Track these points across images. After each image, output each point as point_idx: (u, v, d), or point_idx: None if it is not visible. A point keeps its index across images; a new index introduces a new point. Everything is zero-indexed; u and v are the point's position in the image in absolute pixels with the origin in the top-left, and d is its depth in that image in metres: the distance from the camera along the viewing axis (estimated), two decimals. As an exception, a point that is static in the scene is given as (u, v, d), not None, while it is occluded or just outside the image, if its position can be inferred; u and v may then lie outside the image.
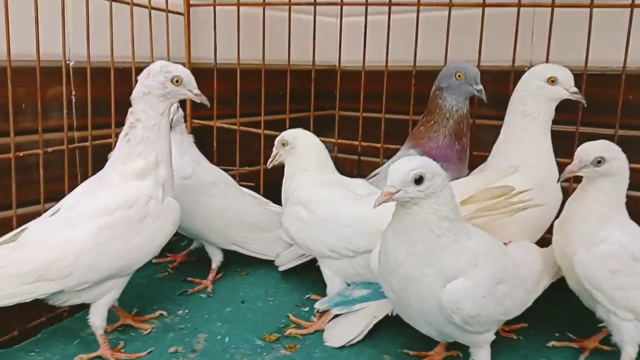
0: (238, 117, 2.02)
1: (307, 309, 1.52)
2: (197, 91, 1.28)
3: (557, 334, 1.40)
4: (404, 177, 1.02)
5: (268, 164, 1.56)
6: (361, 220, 1.37)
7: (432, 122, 1.57)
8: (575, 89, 1.38)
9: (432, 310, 1.10)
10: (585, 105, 1.44)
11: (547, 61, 1.64)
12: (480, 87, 1.52)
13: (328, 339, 1.36)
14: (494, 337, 1.19)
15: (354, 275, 1.44)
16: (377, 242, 1.20)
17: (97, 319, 1.25)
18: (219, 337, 1.37)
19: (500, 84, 1.94)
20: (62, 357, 1.28)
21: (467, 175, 1.56)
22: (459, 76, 1.53)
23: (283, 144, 1.52)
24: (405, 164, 1.05)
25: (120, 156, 1.26)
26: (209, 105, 1.35)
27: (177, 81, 1.24)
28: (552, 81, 1.37)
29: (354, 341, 1.34)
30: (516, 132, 1.41)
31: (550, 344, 1.36)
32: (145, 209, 1.23)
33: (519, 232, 1.35)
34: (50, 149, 1.51)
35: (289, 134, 1.53)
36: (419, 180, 1.03)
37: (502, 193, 1.24)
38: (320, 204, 1.44)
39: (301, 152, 1.50)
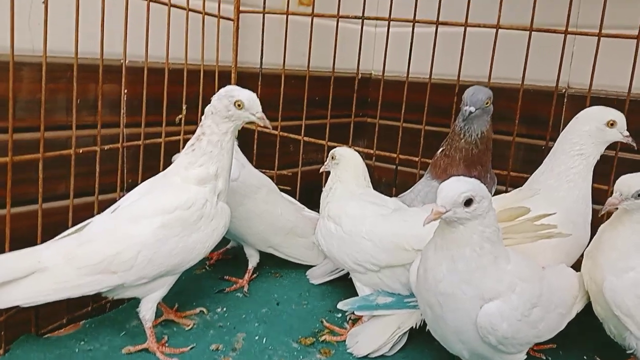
0: (280, 121, 2.07)
1: (339, 315, 1.57)
2: (260, 115, 1.33)
3: (585, 357, 1.43)
4: (455, 199, 1.06)
5: (320, 170, 1.65)
6: (383, 235, 1.42)
7: (448, 145, 1.61)
8: (627, 133, 1.41)
9: (468, 329, 1.14)
10: (636, 148, 1.45)
11: (590, 86, 1.66)
12: (467, 107, 1.51)
13: (351, 346, 1.40)
14: (525, 357, 1.23)
15: (382, 286, 1.48)
16: (417, 257, 1.24)
17: (147, 312, 1.32)
18: (256, 337, 1.43)
19: (534, 103, 1.99)
20: (110, 347, 1.34)
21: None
22: (463, 100, 1.55)
23: (332, 158, 1.58)
24: (457, 185, 1.09)
25: (184, 162, 1.34)
26: (271, 129, 1.40)
27: (239, 105, 1.31)
28: (612, 124, 1.39)
29: (379, 352, 1.38)
30: (563, 168, 1.42)
31: (579, 367, 1.39)
32: (201, 211, 1.30)
33: (554, 258, 1.38)
34: (106, 147, 1.57)
35: (338, 152, 1.59)
36: (468, 202, 1.07)
37: (520, 214, 1.26)
38: (348, 217, 1.49)
39: (343, 167, 1.56)
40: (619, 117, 1.40)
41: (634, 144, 1.43)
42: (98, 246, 1.24)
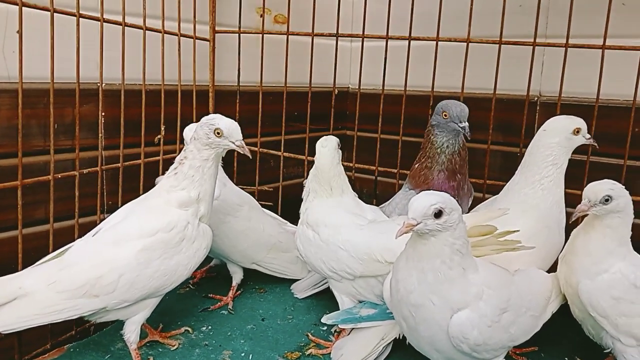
0: (259, 137, 2.09)
1: (325, 328, 1.58)
2: (239, 143, 1.35)
3: (566, 358, 1.46)
4: (425, 211, 1.10)
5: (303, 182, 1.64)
6: (358, 246, 1.45)
7: (425, 157, 1.64)
8: (589, 135, 1.48)
9: (440, 339, 1.17)
10: (598, 148, 1.52)
11: (560, 94, 1.72)
12: (465, 124, 1.56)
13: (335, 359, 1.41)
14: (504, 360, 1.26)
15: (357, 295, 1.50)
16: (390, 272, 1.27)
17: (131, 335, 1.32)
18: (242, 354, 1.43)
19: (508, 112, 2.05)
20: (95, 370, 1.34)
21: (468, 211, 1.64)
22: (445, 115, 1.58)
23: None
24: (427, 198, 1.12)
25: (166, 186, 1.35)
26: (250, 157, 1.42)
27: (218, 133, 1.32)
28: (577, 131, 1.45)
29: (363, 363, 1.40)
30: (537, 178, 1.47)
31: (560, 367, 1.43)
32: (183, 233, 1.31)
33: (531, 262, 1.41)
34: (85, 171, 1.57)
35: (318, 143, 1.55)
36: (438, 214, 1.10)
37: (488, 232, 1.31)
38: (325, 226, 1.50)
39: (320, 168, 1.54)
40: (582, 124, 1.47)
41: (596, 144, 1.50)
42: (79, 270, 1.24)
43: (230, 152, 1.94)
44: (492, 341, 1.17)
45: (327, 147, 1.54)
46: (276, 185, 2.16)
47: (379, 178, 2.10)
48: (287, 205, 2.09)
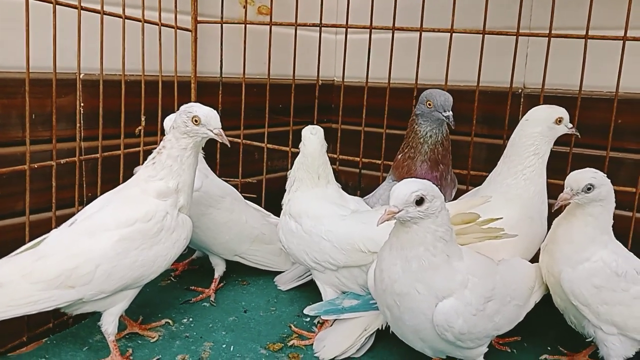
0: (242, 130, 2.07)
1: (307, 319, 1.57)
2: (217, 131, 1.32)
3: (549, 348, 1.47)
4: (406, 198, 1.09)
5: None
6: (341, 237, 1.44)
7: (408, 147, 1.63)
8: (571, 125, 1.48)
9: (425, 328, 1.16)
10: (580, 137, 1.53)
11: (543, 85, 1.72)
12: (449, 113, 1.54)
13: (318, 350, 1.40)
14: (487, 349, 1.26)
15: (341, 286, 1.49)
16: (374, 261, 1.26)
17: (109, 326, 1.30)
18: (224, 345, 1.42)
19: (492, 104, 2.05)
20: (72, 363, 1.32)
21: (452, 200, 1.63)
22: (429, 104, 1.56)
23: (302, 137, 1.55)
24: (408, 186, 1.11)
25: (144, 175, 1.33)
26: (229, 146, 1.39)
27: (196, 121, 1.30)
28: (560, 121, 1.46)
29: (346, 354, 1.38)
30: (520, 168, 1.46)
31: (543, 357, 1.42)
32: (162, 223, 1.29)
33: (514, 252, 1.41)
34: (62, 161, 1.54)
35: (304, 134, 1.54)
36: (420, 202, 1.09)
37: (471, 219, 1.30)
38: (308, 217, 1.49)
39: (309, 154, 1.52)
40: (564, 113, 1.47)
41: (578, 134, 1.50)
42: (55, 261, 1.21)
43: (213, 144, 1.93)
44: (476, 330, 1.16)
45: (317, 135, 1.53)
46: (260, 178, 2.14)
47: (363, 171, 2.09)
48: (271, 198, 2.07)
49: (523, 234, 1.39)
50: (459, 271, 1.15)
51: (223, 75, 2.06)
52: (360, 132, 2.04)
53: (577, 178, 1.26)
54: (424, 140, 1.59)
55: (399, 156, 1.65)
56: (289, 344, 1.44)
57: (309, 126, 1.55)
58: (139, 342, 1.42)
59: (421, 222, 1.11)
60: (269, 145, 2.09)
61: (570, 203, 1.29)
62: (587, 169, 1.28)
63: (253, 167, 2.20)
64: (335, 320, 1.46)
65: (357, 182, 2.11)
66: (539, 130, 1.46)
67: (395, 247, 1.15)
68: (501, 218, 1.30)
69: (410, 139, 1.62)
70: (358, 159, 2.03)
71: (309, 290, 1.68)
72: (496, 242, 1.32)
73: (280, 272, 1.81)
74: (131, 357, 1.35)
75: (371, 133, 2.04)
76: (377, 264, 1.21)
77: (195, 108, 1.32)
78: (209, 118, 1.32)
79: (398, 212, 1.09)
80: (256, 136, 2.14)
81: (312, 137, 1.52)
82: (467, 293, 1.15)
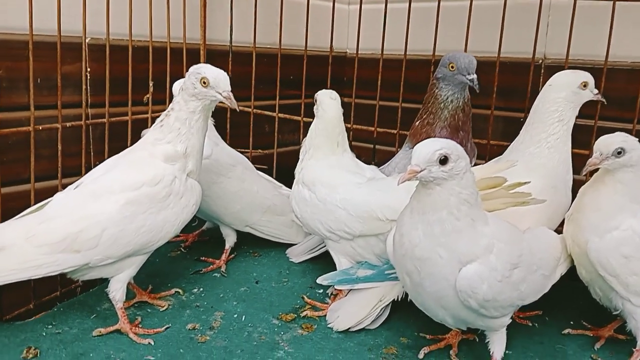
0: (252, 100, 2.02)
1: (321, 290, 1.53)
2: (226, 94, 1.26)
3: (572, 322, 1.41)
4: (429, 157, 1.02)
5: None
6: (357, 204, 1.39)
7: (427, 113, 1.56)
8: (597, 90, 1.41)
9: (447, 294, 1.10)
10: (606, 104, 1.46)
11: (567, 56, 1.65)
12: (473, 76, 1.48)
13: (332, 321, 1.36)
14: (510, 321, 1.20)
15: (356, 256, 1.45)
16: (393, 228, 1.20)
17: (117, 292, 1.26)
18: (235, 315, 1.38)
19: (511, 75, 1.97)
20: (79, 330, 1.28)
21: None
22: (452, 67, 1.50)
23: (315, 101, 1.50)
24: (431, 144, 1.05)
25: (151, 138, 1.29)
26: (238, 110, 1.33)
27: (204, 82, 1.25)
28: (585, 85, 1.39)
29: (360, 326, 1.34)
30: (544, 136, 1.41)
31: (566, 331, 1.37)
32: (170, 188, 1.25)
33: (536, 222, 1.35)
34: (69, 124, 1.50)
35: (320, 97, 1.49)
36: (443, 161, 1.03)
37: (497, 184, 1.24)
38: (322, 185, 1.44)
39: (330, 120, 1.47)
40: (589, 77, 1.40)
41: (604, 100, 1.44)
42: (60, 223, 1.17)
43: (223, 114, 1.88)
44: (501, 297, 1.11)
45: (337, 100, 1.49)
46: (271, 151, 2.09)
47: (377, 146, 2.03)
48: (282, 172, 2.02)
49: (547, 204, 1.33)
50: (485, 235, 1.09)
51: (233, 44, 2.00)
52: (374, 106, 1.97)
53: (607, 142, 1.19)
54: (445, 105, 1.53)
55: (417, 123, 1.59)
56: (302, 314, 1.39)
57: (326, 90, 1.49)
58: (148, 310, 1.38)
59: (445, 183, 1.04)
60: (281, 115, 2.03)
61: (598, 169, 1.23)
62: (618, 132, 1.22)
63: (263, 139, 2.14)
64: (349, 291, 1.42)
65: (370, 157, 2.05)
66: (563, 95, 1.40)
67: (416, 210, 1.09)
68: (529, 182, 1.24)
69: (430, 104, 1.55)
70: (372, 128, 1.96)
71: (322, 263, 1.63)
72: (519, 210, 1.26)
73: (292, 245, 1.76)
74: (140, 325, 1.31)
75: (386, 107, 1.98)
76: (396, 228, 1.14)
77: (204, 69, 1.27)
78: (218, 80, 1.26)
79: (420, 172, 1.02)
80: (266, 108, 2.08)
81: (333, 102, 1.47)
82: (492, 258, 1.08)
